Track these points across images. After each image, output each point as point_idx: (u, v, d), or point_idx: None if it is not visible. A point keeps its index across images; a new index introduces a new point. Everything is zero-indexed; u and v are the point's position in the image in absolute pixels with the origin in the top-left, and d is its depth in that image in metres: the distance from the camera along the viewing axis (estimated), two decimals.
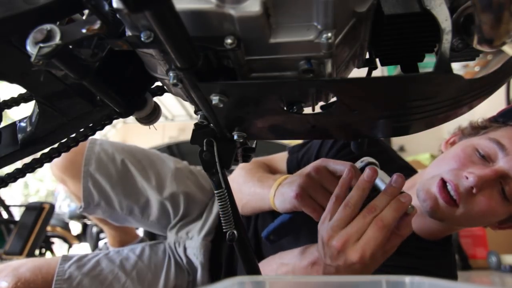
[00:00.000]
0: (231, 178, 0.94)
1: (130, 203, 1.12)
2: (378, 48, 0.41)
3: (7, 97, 0.56)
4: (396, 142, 3.35)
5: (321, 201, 0.66)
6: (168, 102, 3.56)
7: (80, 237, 2.47)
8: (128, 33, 0.35)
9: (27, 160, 0.55)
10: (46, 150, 0.54)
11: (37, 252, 1.65)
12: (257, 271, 0.57)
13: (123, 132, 4.01)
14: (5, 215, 1.57)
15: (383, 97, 0.38)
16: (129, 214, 1.14)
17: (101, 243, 2.17)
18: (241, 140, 0.48)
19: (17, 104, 0.56)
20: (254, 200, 0.85)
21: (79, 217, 2.41)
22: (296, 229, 0.71)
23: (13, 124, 0.52)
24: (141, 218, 1.15)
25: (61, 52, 0.33)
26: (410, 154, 3.17)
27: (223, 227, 0.54)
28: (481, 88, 0.41)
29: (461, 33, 0.38)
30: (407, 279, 0.30)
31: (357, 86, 0.37)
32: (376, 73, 0.46)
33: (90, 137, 0.54)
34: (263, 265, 0.77)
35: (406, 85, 0.37)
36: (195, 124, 0.53)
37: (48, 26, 0.32)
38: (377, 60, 0.44)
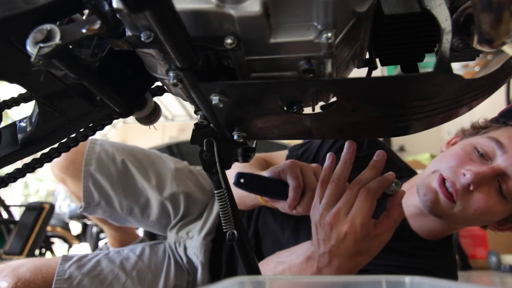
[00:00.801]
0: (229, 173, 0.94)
1: (130, 203, 1.12)
2: (378, 48, 0.41)
3: (7, 97, 0.56)
4: (396, 142, 3.35)
5: (307, 181, 0.67)
6: (168, 102, 3.56)
7: (80, 237, 2.47)
8: (128, 33, 0.35)
9: (27, 160, 0.55)
10: (46, 150, 0.54)
11: (37, 252, 1.65)
12: (257, 271, 0.57)
13: (123, 132, 4.01)
14: (5, 215, 1.57)
15: (383, 97, 0.38)
16: (129, 214, 1.14)
17: (101, 243, 2.17)
18: (241, 140, 0.48)
19: (17, 104, 0.56)
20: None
21: (79, 217, 2.41)
22: (268, 192, 0.70)
23: (13, 124, 0.52)
24: (141, 218, 1.15)
25: (61, 52, 0.33)
26: (410, 154, 3.17)
27: (223, 227, 0.54)
28: (481, 88, 0.41)
29: (461, 33, 0.38)
30: (407, 279, 0.30)
31: (357, 86, 0.37)
32: (376, 73, 0.46)
33: (90, 137, 0.54)
34: (261, 264, 0.77)
35: (406, 85, 0.37)
36: (195, 124, 0.53)
37: (48, 26, 0.32)
38: (377, 60, 0.44)
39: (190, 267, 1.08)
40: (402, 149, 3.38)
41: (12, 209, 1.62)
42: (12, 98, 0.56)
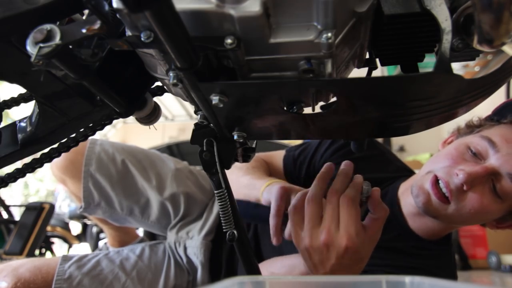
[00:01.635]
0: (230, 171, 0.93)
1: (131, 204, 1.13)
2: (378, 48, 0.41)
3: (7, 97, 0.56)
4: (396, 142, 3.35)
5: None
6: (168, 102, 3.56)
7: (80, 237, 2.47)
8: (128, 33, 0.35)
9: (27, 160, 0.55)
10: (46, 150, 0.54)
11: (37, 252, 1.65)
12: (257, 271, 0.57)
13: (123, 132, 4.02)
14: (5, 215, 1.57)
15: (383, 97, 0.38)
16: (129, 214, 1.14)
17: (101, 243, 2.17)
18: (241, 140, 0.48)
19: (17, 104, 0.56)
20: (248, 188, 0.85)
21: (79, 217, 2.41)
22: (259, 219, 0.70)
23: (13, 124, 0.52)
24: (141, 218, 1.15)
25: (61, 52, 0.33)
26: (410, 154, 3.17)
27: (223, 227, 0.54)
28: (481, 88, 0.41)
29: (461, 33, 0.38)
30: (407, 279, 0.30)
31: (357, 86, 0.37)
32: (376, 73, 0.46)
33: (90, 137, 0.54)
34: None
35: (406, 85, 0.37)
36: (195, 124, 0.53)
37: (48, 26, 0.32)
38: (377, 60, 0.44)
39: (190, 267, 1.08)
40: (402, 149, 3.38)
41: (12, 209, 1.62)
42: (12, 98, 0.56)
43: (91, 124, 0.54)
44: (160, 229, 1.19)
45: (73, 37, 0.33)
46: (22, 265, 0.91)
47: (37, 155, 0.55)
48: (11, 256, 1.32)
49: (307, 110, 0.43)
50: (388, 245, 0.82)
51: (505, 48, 0.36)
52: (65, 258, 0.96)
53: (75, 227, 2.60)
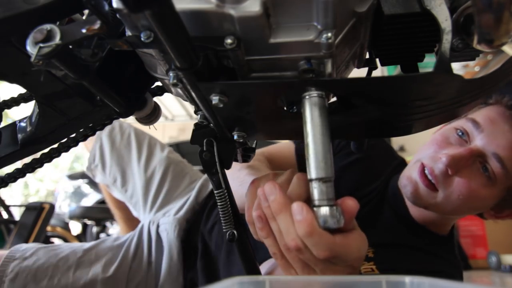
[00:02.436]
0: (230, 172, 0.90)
1: (116, 171, 1.21)
2: (378, 48, 0.41)
3: (7, 97, 0.56)
4: (396, 142, 3.35)
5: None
6: (168, 102, 3.57)
7: (80, 237, 2.47)
8: (128, 33, 0.35)
9: (27, 160, 0.55)
10: (46, 150, 0.54)
11: None
12: (257, 271, 0.57)
13: None
14: (5, 215, 1.57)
15: (383, 97, 0.38)
16: (113, 182, 1.22)
17: None
18: (241, 140, 0.48)
19: (17, 104, 0.56)
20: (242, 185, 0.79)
21: (79, 217, 2.41)
22: None
23: (13, 124, 0.52)
24: (120, 188, 1.22)
25: (61, 52, 0.33)
26: (410, 154, 3.17)
27: (223, 227, 0.54)
28: (481, 88, 0.41)
29: (461, 33, 0.38)
30: (407, 279, 0.30)
31: (357, 86, 0.37)
32: (376, 73, 0.46)
33: None
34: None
35: (406, 85, 0.37)
36: (195, 124, 0.53)
37: (48, 26, 0.32)
38: (377, 60, 0.44)
39: (157, 247, 1.04)
40: (402, 149, 3.38)
41: (12, 209, 1.62)
42: (12, 98, 0.56)
43: (91, 124, 0.54)
44: (132, 206, 1.24)
45: (73, 37, 0.33)
46: None
47: (37, 155, 0.55)
48: None
49: None
50: (403, 242, 0.81)
51: (505, 48, 0.36)
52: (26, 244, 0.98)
53: (75, 227, 2.60)
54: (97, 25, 0.33)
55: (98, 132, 1.07)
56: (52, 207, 1.48)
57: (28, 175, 0.55)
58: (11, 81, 0.43)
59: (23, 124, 0.51)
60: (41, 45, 0.32)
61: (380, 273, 0.74)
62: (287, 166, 1.00)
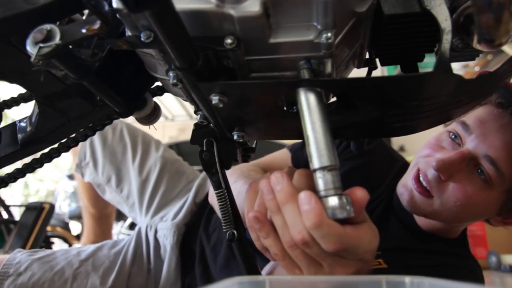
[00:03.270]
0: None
1: (110, 170, 1.15)
2: (378, 48, 0.41)
3: (7, 97, 0.56)
4: (396, 142, 3.35)
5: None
6: (168, 102, 3.56)
7: (80, 237, 2.47)
8: (128, 33, 0.35)
9: (27, 160, 0.55)
10: (46, 150, 0.54)
11: None
12: (257, 271, 0.57)
13: None
14: (5, 215, 1.57)
15: (382, 97, 0.38)
16: (107, 181, 1.16)
17: None
18: (241, 140, 0.48)
19: (17, 104, 0.56)
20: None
21: (79, 217, 2.41)
22: None
23: (13, 124, 0.52)
24: (115, 188, 1.17)
25: (61, 52, 0.33)
26: (410, 154, 3.17)
27: (223, 227, 0.54)
28: (481, 88, 0.41)
29: (461, 33, 0.38)
30: (407, 279, 0.30)
31: (356, 86, 0.37)
32: (376, 73, 0.46)
33: None
34: None
35: (406, 85, 0.37)
36: (195, 124, 0.53)
37: (48, 26, 0.32)
38: (377, 60, 0.44)
39: (155, 253, 1.02)
40: (402, 149, 3.38)
41: (12, 209, 1.61)
42: (12, 98, 0.56)
43: (91, 124, 0.54)
44: (128, 208, 1.19)
45: (73, 37, 0.33)
46: None
47: (37, 155, 0.55)
48: None
49: None
50: (412, 247, 0.80)
51: (505, 48, 0.36)
52: (20, 250, 0.94)
53: (75, 227, 2.60)
54: (97, 25, 0.33)
55: None
56: (52, 207, 1.48)
57: (28, 175, 0.55)
58: (11, 81, 0.43)
59: (23, 124, 0.51)
60: (41, 45, 0.32)
61: (387, 267, 0.72)
62: None
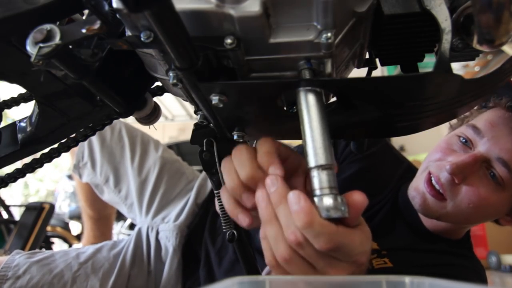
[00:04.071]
0: None
1: (108, 170, 1.14)
2: (378, 48, 0.41)
3: (7, 97, 0.56)
4: (396, 142, 3.35)
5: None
6: (168, 102, 3.57)
7: (80, 237, 2.47)
8: (128, 33, 0.35)
9: (27, 160, 0.55)
10: (46, 150, 0.54)
11: None
12: (257, 271, 0.57)
13: None
14: (5, 215, 1.57)
15: (382, 97, 0.38)
16: (105, 182, 1.15)
17: None
18: (241, 140, 0.48)
19: (17, 104, 0.56)
20: None
21: (79, 217, 2.41)
22: None
23: (13, 124, 0.52)
24: (113, 189, 1.16)
25: (61, 52, 0.33)
26: (410, 154, 3.17)
27: (223, 227, 0.54)
28: (481, 88, 0.41)
29: (461, 33, 0.38)
30: (407, 279, 0.30)
31: (356, 86, 0.37)
32: (376, 73, 0.46)
33: None
34: None
35: (406, 85, 0.37)
36: (195, 124, 0.53)
37: (48, 26, 0.32)
38: (377, 60, 0.44)
39: (156, 254, 1.02)
40: (402, 149, 3.38)
41: (12, 209, 1.62)
42: (12, 98, 0.56)
43: (91, 124, 0.54)
44: (126, 208, 1.18)
45: (73, 37, 0.33)
46: None
47: (37, 155, 0.55)
48: None
49: None
50: (414, 247, 0.80)
51: (505, 48, 0.36)
52: (19, 252, 0.92)
53: (75, 227, 2.60)
54: (97, 25, 0.33)
55: None
56: (52, 207, 1.48)
57: (28, 175, 0.55)
58: (11, 81, 0.44)
59: (23, 124, 0.51)
60: (41, 45, 0.32)
61: (393, 266, 0.73)
62: None
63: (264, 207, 0.38)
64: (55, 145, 0.54)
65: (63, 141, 0.54)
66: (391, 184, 0.90)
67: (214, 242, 0.99)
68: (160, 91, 0.56)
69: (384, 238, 0.80)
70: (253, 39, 0.34)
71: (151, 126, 0.57)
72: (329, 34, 0.33)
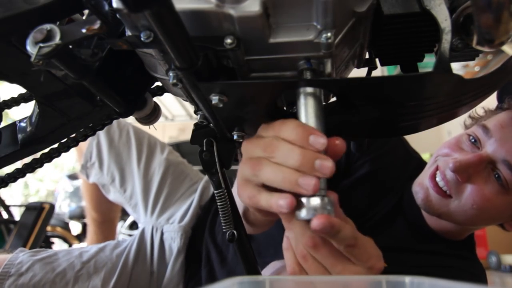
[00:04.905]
0: None
1: (114, 169, 1.16)
2: (378, 48, 0.41)
3: (7, 97, 0.56)
4: None
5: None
6: (168, 102, 3.57)
7: (80, 237, 2.47)
8: (128, 33, 0.35)
9: (27, 160, 0.55)
10: (46, 150, 0.54)
11: None
12: (257, 271, 0.57)
13: None
14: (5, 215, 1.57)
15: (382, 97, 0.38)
16: (111, 181, 1.17)
17: None
18: (241, 140, 0.48)
19: (17, 104, 0.56)
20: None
21: (79, 217, 2.41)
22: None
23: (13, 124, 0.52)
24: (119, 188, 1.17)
25: (61, 52, 0.33)
26: None
27: (223, 227, 0.54)
28: (481, 88, 0.41)
29: (461, 33, 0.38)
30: (407, 279, 0.30)
31: (356, 86, 0.37)
32: (376, 73, 0.46)
33: None
34: None
35: (406, 85, 0.37)
36: (195, 124, 0.53)
37: (48, 26, 0.32)
38: (377, 60, 0.44)
39: (159, 255, 1.02)
40: None
41: (12, 209, 1.61)
42: (12, 98, 0.56)
43: (91, 124, 0.54)
44: (131, 208, 1.19)
45: (73, 37, 0.33)
46: None
47: (37, 155, 0.55)
48: None
49: None
50: (412, 248, 0.80)
51: (505, 48, 0.36)
52: (23, 250, 0.93)
53: (75, 227, 2.60)
54: (97, 25, 0.33)
55: None
56: (52, 207, 1.48)
57: (28, 175, 0.55)
58: (11, 81, 0.44)
59: (23, 124, 0.51)
60: (41, 45, 0.32)
61: (387, 266, 0.72)
62: None
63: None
64: (55, 145, 0.54)
65: (63, 141, 0.54)
66: (399, 183, 0.89)
67: (215, 241, 0.99)
68: (160, 91, 0.56)
69: (381, 235, 0.80)
70: (253, 39, 0.34)
71: (151, 126, 0.57)
72: (329, 34, 0.33)
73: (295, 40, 0.34)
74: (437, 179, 0.72)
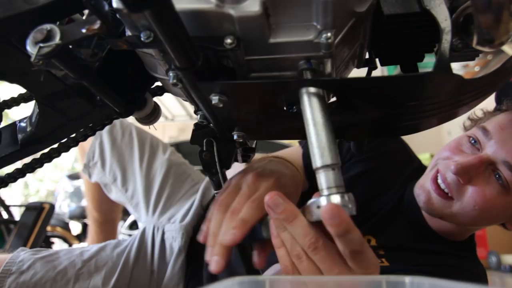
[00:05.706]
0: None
1: (116, 169, 1.17)
2: (378, 48, 0.41)
3: (7, 97, 0.56)
4: None
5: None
6: (168, 102, 3.57)
7: (80, 237, 2.47)
8: (128, 33, 0.35)
9: (27, 160, 0.55)
10: (46, 150, 0.54)
11: None
12: (256, 272, 0.57)
13: None
14: (5, 215, 1.56)
15: (382, 97, 0.38)
16: (113, 181, 1.18)
17: None
18: (241, 140, 0.48)
19: (17, 104, 0.56)
20: None
21: (79, 217, 2.41)
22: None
23: (13, 124, 0.52)
24: (121, 187, 1.18)
25: (61, 52, 0.33)
26: None
27: None
28: (481, 88, 0.41)
29: (461, 33, 0.38)
30: (407, 279, 0.30)
31: (356, 86, 0.37)
32: (376, 73, 0.46)
33: None
34: None
35: (406, 85, 0.37)
36: (195, 124, 0.53)
37: (48, 26, 0.32)
38: (377, 60, 0.44)
39: (160, 254, 1.02)
40: None
41: (12, 209, 1.61)
42: (12, 98, 0.56)
43: (91, 124, 0.54)
44: (132, 208, 1.19)
45: (73, 37, 0.33)
46: None
47: (37, 155, 0.55)
48: None
49: None
50: (412, 246, 0.80)
51: (505, 48, 0.36)
52: (24, 249, 0.94)
53: (75, 227, 2.60)
54: (97, 25, 0.33)
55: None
56: (52, 207, 1.48)
57: (28, 175, 0.55)
58: (11, 81, 0.43)
59: (23, 124, 0.51)
60: (41, 45, 0.32)
61: (389, 265, 0.72)
62: None
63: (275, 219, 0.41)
64: (55, 145, 0.54)
65: (63, 141, 0.54)
66: (398, 183, 0.89)
67: None
68: (160, 91, 0.56)
69: (382, 233, 0.80)
70: (253, 39, 0.34)
71: (151, 126, 0.57)
72: (329, 34, 0.33)
73: (295, 40, 0.34)
74: (439, 181, 0.72)
